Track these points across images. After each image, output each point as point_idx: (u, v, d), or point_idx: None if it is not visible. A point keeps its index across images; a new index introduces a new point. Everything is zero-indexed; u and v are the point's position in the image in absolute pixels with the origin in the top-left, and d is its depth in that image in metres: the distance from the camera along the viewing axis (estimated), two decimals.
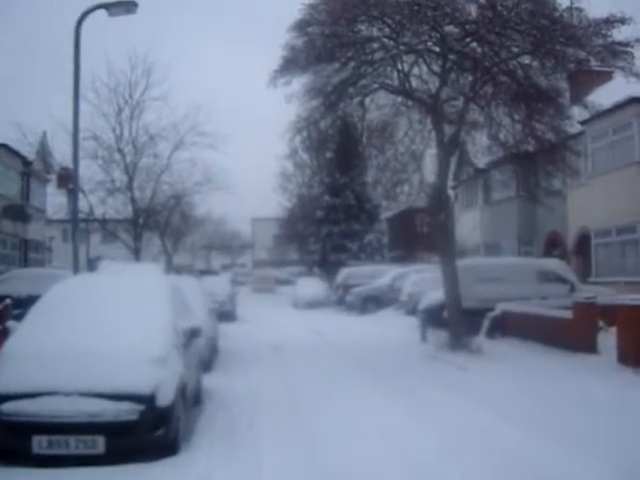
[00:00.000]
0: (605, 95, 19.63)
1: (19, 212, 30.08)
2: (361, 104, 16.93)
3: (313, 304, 34.89)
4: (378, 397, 10.05)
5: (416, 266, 30.89)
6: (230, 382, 11.40)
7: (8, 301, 15.57)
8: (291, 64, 15.39)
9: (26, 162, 30.93)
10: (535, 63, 15.14)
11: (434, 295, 18.34)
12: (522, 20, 14.18)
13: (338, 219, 41.77)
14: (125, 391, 6.64)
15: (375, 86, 16.58)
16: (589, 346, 12.97)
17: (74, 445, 6.45)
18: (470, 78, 15.72)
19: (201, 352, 10.50)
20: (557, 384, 10.60)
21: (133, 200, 34.75)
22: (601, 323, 13.55)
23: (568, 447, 7.10)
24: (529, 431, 7.82)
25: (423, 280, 23.69)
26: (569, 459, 6.73)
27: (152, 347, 7.18)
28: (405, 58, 15.96)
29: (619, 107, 20.49)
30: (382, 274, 31.22)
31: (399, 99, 17.23)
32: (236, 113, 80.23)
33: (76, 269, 15.08)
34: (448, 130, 16.41)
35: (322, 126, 17.16)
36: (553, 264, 19.93)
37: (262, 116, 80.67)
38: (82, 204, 28.35)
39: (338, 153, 36.14)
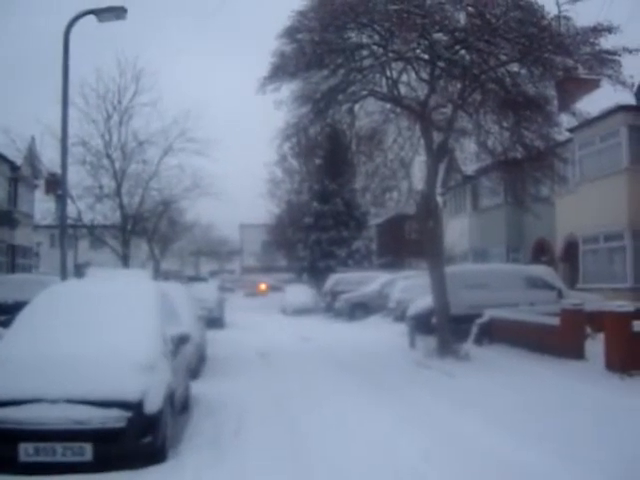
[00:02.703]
0: (593, 103, 19.79)
1: (6, 217, 29.94)
2: (350, 111, 16.97)
3: (302, 310, 34.86)
4: (365, 402, 10.06)
5: (404, 272, 30.99)
6: (218, 389, 11.36)
7: None
8: (280, 70, 15.41)
9: (14, 167, 30.80)
10: (523, 71, 15.23)
11: (422, 301, 18.36)
12: (510, 28, 14.26)
13: (327, 225, 41.80)
14: (113, 398, 6.61)
15: (364, 93, 16.63)
16: (576, 352, 13.03)
17: (61, 452, 6.41)
18: (459, 85, 15.78)
19: (189, 359, 10.48)
20: (544, 390, 10.65)
21: (121, 206, 34.67)
22: (588, 330, 13.62)
23: (553, 450, 7.13)
24: (515, 435, 7.85)
25: (411, 286, 23.72)
26: (554, 463, 6.76)
27: (140, 354, 7.16)
28: (394, 65, 16.02)
29: (607, 115, 20.65)
30: (370, 281, 31.25)
31: (388, 106, 17.28)
32: (225, 119, 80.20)
33: (64, 275, 15.02)
34: (437, 137, 16.47)
35: (311, 133, 17.17)
36: (541, 271, 20.02)
37: (251, 122, 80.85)
38: (70, 210, 28.19)
39: (327, 160, 36.07)
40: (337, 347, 18.27)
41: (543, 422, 8.52)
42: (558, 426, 8.22)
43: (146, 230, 37.62)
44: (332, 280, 34.53)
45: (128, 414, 6.60)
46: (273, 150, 17.20)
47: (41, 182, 34.31)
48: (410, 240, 39.23)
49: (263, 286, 54.91)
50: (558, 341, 13.54)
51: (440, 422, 8.77)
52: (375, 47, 15.56)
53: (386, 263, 42.59)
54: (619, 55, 14.27)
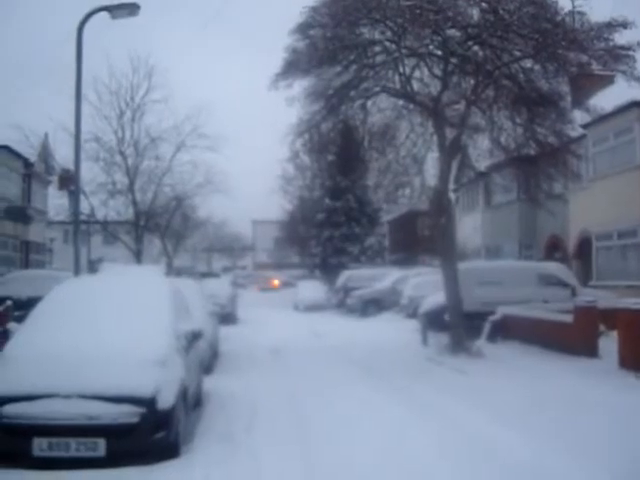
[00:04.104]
0: (607, 99, 19.62)
1: (20, 213, 30.10)
2: (362, 107, 16.94)
3: (314, 307, 34.90)
4: (377, 400, 10.04)
5: (417, 269, 30.91)
6: (230, 385, 11.39)
7: (9, 303, 15.57)
8: (292, 67, 15.40)
9: (27, 164, 30.94)
10: (537, 67, 15.15)
11: (435, 298, 18.33)
12: (524, 24, 14.17)
13: (339, 222, 41.77)
14: (126, 394, 6.64)
15: (377, 89, 16.59)
16: (590, 350, 12.94)
17: (74, 448, 6.44)
18: (472, 81, 15.73)
19: (202, 355, 10.52)
20: (557, 388, 10.58)
21: (134, 202, 34.76)
22: (602, 327, 13.52)
23: (565, 449, 7.09)
24: (526, 433, 7.81)
25: (424, 283, 23.69)
26: (566, 462, 6.73)
27: (153, 350, 7.19)
28: (407, 61, 15.96)
29: (621, 111, 20.48)
30: (383, 277, 31.25)
31: (400, 102, 17.24)
32: (237, 116, 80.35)
33: (77, 271, 15.08)
34: (449, 133, 16.40)
35: (323, 129, 17.18)
36: (554, 267, 19.91)
37: (263, 119, 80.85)
38: (83, 206, 28.34)
39: (339, 156, 36.15)
40: (349, 344, 18.27)
41: (554, 419, 8.47)
42: (572, 425, 8.16)
43: (159, 226, 37.71)
44: (344, 276, 34.53)
45: (141, 410, 6.62)
46: (285, 147, 17.22)
47: (54, 178, 34.41)
48: (423, 236, 39.13)
49: (275, 282, 54.99)
50: (571, 339, 13.47)
51: (451, 418, 8.76)
52: (388, 43, 15.51)
53: (398, 260, 42.50)
54: (633, 51, 14.18)
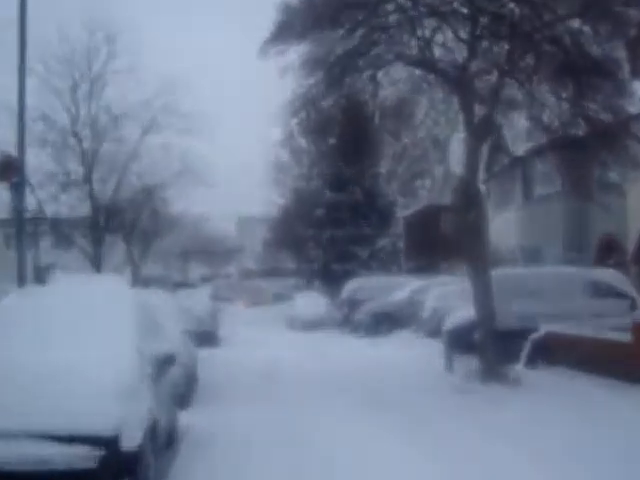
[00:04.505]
0: None
1: None
2: (372, 79, 16.94)
3: (313, 324, 34.99)
4: (393, 441, 10.02)
5: (440, 277, 30.92)
6: (211, 421, 11.38)
7: None
8: (286, 30, 15.41)
9: None
10: (587, 28, 15.14)
11: (462, 313, 18.35)
12: None
13: (343, 220, 41.81)
14: (81, 432, 6.61)
15: (389, 57, 16.57)
16: None
17: None
18: (506, 46, 15.73)
19: (176, 384, 10.54)
20: (614, 426, 10.50)
21: (92, 196, 34.81)
22: None
23: None
24: None
25: (448, 294, 23.69)
26: None
27: (115, 378, 7.18)
28: (426, 22, 15.98)
29: None
30: (398, 287, 31.29)
31: (419, 73, 17.25)
32: (221, 90, 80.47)
33: (22, 281, 15.09)
34: (479, 110, 16.41)
35: (324, 106, 17.22)
36: (608, 275, 19.91)
37: (252, 95, 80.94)
38: (29, 201, 28.29)
39: (343, 138, 36.27)
40: (356, 369, 18.27)
41: (616, 469, 8.36)
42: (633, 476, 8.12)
43: (123, 225, 37.75)
44: (350, 287, 34.59)
45: (101, 452, 6.59)
46: (278, 128, 17.27)
47: None
48: (447, 237, 39.01)
49: (266, 294, 55.01)
50: (631, 363, 13.44)
51: (485, 466, 8.70)
52: (403, 0, 15.52)
53: (417, 266, 42.46)
54: None
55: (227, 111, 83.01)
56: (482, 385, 14.76)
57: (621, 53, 15.87)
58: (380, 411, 12.55)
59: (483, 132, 16.59)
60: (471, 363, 16.09)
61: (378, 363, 19.47)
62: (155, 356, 8.29)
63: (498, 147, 19.51)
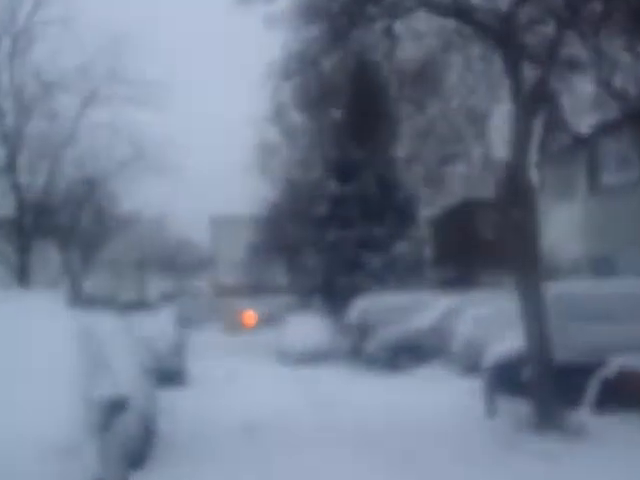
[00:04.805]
0: None
1: None
2: (388, 32, 16.92)
3: (311, 357, 35.10)
4: None
5: (477, 294, 30.87)
6: None
7: None
8: None
9: None
10: None
11: (508, 343, 18.35)
12: None
13: (351, 219, 41.85)
14: None
15: (410, 2, 16.55)
16: None
17: None
18: None
19: (129, 436, 10.48)
20: None
21: (17, 188, 34.64)
22: None
23: None
24: None
25: (489, 317, 23.79)
26: None
27: (48, 431, 7.15)
28: None
29: None
30: (423, 308, 31.33)
31: (450, 24, 17.22)
32: (186, 51, 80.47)
33: None
34: (530, 73, 16.38)
35: (325, 68, 17.15)
36: None
37: (228, 55, 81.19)
38: None
39: (351, 112, 36.26)
40: (372, 418, 18.23)
41: None
42: None
43: (58, 228, 37.69)
44: (360, 307, 34.60)
45: None
46: (265, 99, 17.24)
47: None
48: (486, 242, 39.12)
49: (250, 317, 55.12)
50: None
51: None
52: None
53: (447, 279, 42.54)
54: None
55: (196, 78, 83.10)
56: (535, 437, 14.74)
57: None
58: (401, 473, 12.55)
59: (535, 102, 16.56)
60: (520, 408, 16.10)
61: (399, 409, 19.45)
62: (101, 401, 8.22)
63: (555, 122, 19.50)
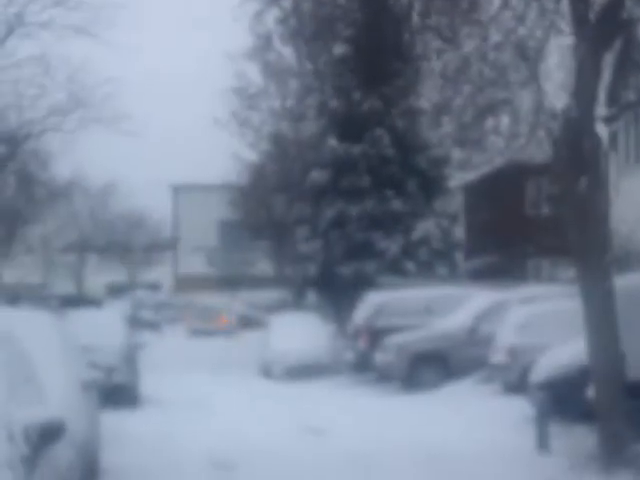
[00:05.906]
0: None
1: None
2: None
3: (305, 370, 35.40)
4: None
5: (525, 289, 30.90)
6: None
7: None
8: None
9: None
10: None
11: (565, 353, 18.43)
12: None
13: (359, 189, 41.80)
14: None
15: None
16: None
17: None
18: None
19: (64, 471, 10.42)
20: None
21: None
22: None
23: None
24: None
25: (540, 319, 23.89)
26: None
27: None
28: None
29: None
30: (452, 306, 31.44)
31: None
32: None
33: None
34: None
35: None
36: None
37: None
38: None
39: (358, 46, 36.23)
40: (382, 456, 18.27)
41: None
42: None
43: None
44: (370, 305, 34.78)
45: None
46: (244, 28, 17.18)
47: None
48: (538, 219, 39.28)
49: (224, 317, 55.26)
50: None
51: None
52: None
53: (484, 268, 42.61)
54: None
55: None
56: (602, 475, 14.71)
57: None
58: None
59: (605, 34, 16.47)
60: (581, 439, 16.16)
61: (420, 439, 19.47)
62: (27, 427, 8.21)
63: (631, 60, 19.42)
